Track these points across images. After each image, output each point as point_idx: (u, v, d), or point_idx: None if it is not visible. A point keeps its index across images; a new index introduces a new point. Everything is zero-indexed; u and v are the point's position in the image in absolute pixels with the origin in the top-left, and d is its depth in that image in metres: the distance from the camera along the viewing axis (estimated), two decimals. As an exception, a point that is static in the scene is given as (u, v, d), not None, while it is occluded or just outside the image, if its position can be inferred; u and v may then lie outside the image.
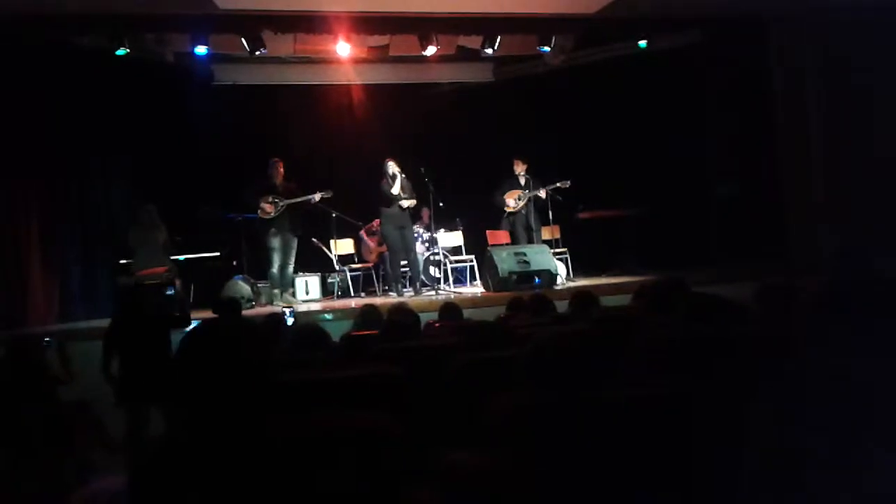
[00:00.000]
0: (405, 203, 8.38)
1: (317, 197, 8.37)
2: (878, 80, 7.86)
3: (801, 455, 1.79)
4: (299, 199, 8.35)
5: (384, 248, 9.09)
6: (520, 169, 9.18)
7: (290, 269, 8.53)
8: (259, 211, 8.29)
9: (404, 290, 8.78)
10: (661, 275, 7.72)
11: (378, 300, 7.85)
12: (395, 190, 8.32)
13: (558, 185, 8.89)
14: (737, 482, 1.79)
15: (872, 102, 7.94)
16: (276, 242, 8.33)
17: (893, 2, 7.30)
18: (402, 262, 8.73)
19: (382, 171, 8.40)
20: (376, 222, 9.32)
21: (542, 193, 8.99)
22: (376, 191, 8.43)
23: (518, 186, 9.15)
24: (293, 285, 8.65)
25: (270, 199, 8.30)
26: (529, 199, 9.05)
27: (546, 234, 9.29)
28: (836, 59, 8.18)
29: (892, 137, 7.85)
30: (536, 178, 9.11)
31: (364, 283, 9.44)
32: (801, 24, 8.44)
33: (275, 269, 8.37)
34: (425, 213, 9.39)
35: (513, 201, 9.12)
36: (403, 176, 8.38)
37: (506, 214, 9.23)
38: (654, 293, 3.42)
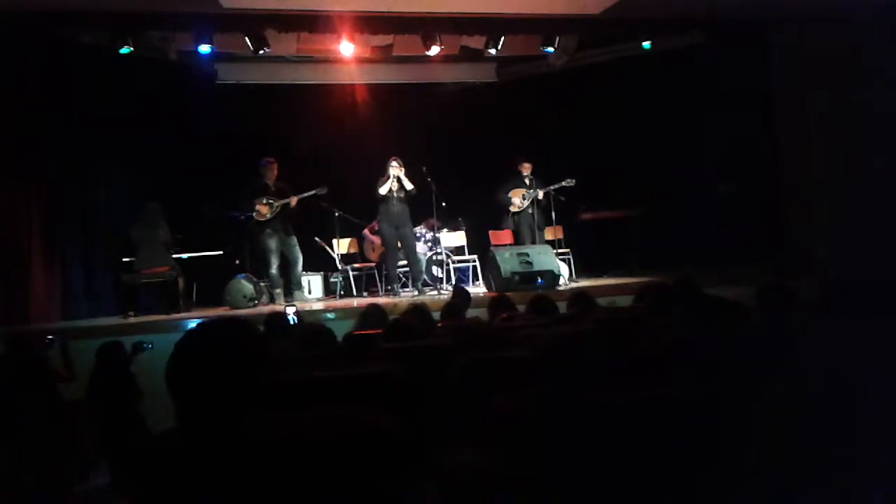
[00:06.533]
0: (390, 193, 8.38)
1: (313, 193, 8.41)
2: (879, 80, 7.85)
3: (802, 456, 1.78)
4: (298, 197, 8.34)
5: (386, 247, 9.10)
6: (525, 171, 9.19)
7: (299, 268, 8.54)
8: (254, 213, 8.28)
9: (402, 290, 8.78)
10: (663, 275, 7.72)
11: (381, 300, 7.85)
12: (383, 190, 8.35)
13: (563, 184, 8.90)
14: (740, 483, 1.78)
15: (872, 103, 7.93)
16: (273, 244, 8.33)
17: (893, 2, 7.30)
18: (402, 263, 8.74)
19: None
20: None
21: (541, 195, 9.01)
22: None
23: (523, 185, 9.15)
24: (301, 286, 8.65)
25: (265, 201, 8.30)
26: (533, 200, 9.06)
27: (549, 234, 9.29)
28: (836, 60, 8.18)
29: (892, 138, 7.84)
30: (540, 180, 9.12)
31: (367, 283, 9.44)
32: (802, 25, 8.44)
33: (273, 270, 8.37)
34: (430, 221, 9.35)
35: (518, 200, 9.12)
36: (400, 176, 8.35)
37: (510, 213, 9.24)
38: (658, 294, 3.42)
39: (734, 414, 1.85)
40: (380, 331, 3.66)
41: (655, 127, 9.48)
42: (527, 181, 9.18)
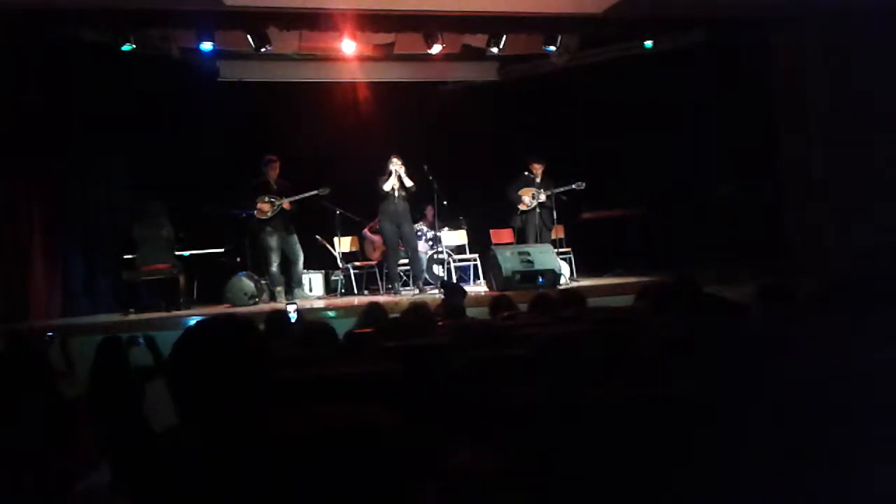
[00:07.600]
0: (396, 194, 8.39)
1: (316, 193, 8.41)
2: (878, 80, 7.84)
3: (802, 454, 1.78)
4: (298, 197, 8.35)
5: (388, 245, 9.10)
6: (536, 171, 9.18)
7: (300, 266, 8.56)
8: (256, 211, 8.29)
9: (403, 288, 8.78)
10: (663, 275, 7.71)
11: (381, 298, 7.85)
12: (386, 187, 8.35)
13: (573, 186, 8.91)
14: (739, 482, 1.79)
15: (872, 102, 7.93)
16: (273, 242, 8.35)
17: (893, 2, 7.30)
18: (403, 261, 8.74)
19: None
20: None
21: (543, 197, 9.01)
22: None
23: (533, 185, 9.15)
24: (301, 284, 8.66)
25: (267, 199, 8.31)
26: (541, 200, 9.07)
27: (551, 233, 9.30)
28: (836, 59, 8.17)
29: (891, 137, 7.84)
30: (551, 180, 9.12)
31: (367, 281, 9.44)
32: (802, 25, 8.43)
33: (274, 268, 8.38)
34: (429, 211, 9.38)
35: (528, 199, 9.12)
36: (401, 174, 8.36)
37: (518, 212, 9.23)
38: (658, 294, 3.42)
39: (734, 413, 1.85)
40: (380, 329, 3.66)
41: (656, 126, 9.48)
42: (537, 181, 9.17)
